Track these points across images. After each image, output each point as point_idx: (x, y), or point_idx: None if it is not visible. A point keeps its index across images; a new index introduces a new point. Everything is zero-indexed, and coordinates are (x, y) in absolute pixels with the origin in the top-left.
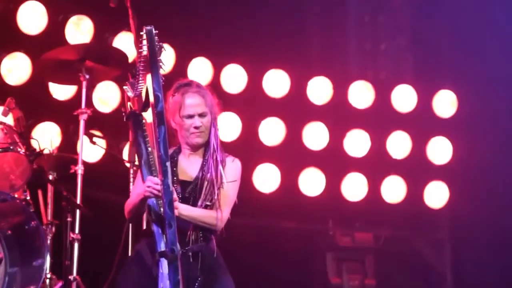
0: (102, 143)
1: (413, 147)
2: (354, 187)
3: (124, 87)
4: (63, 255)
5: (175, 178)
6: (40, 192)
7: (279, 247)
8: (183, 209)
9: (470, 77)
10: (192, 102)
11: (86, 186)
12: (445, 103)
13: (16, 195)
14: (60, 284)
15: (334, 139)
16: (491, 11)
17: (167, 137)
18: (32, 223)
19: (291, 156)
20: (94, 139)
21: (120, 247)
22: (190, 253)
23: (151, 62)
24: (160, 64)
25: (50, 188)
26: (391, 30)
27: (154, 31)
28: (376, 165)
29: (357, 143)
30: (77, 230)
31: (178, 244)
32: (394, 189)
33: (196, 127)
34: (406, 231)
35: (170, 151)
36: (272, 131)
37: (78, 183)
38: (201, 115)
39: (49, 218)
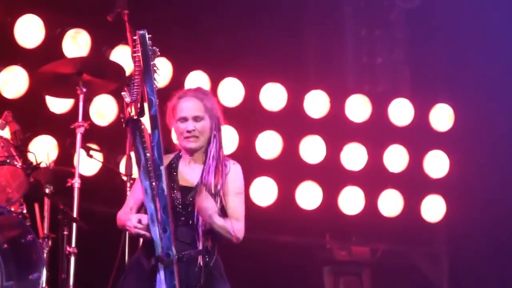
0: (99, 156)
1: (410, 161)
2: (351, 200)
3: (122, 93)
4: (59, 269)
5: (174, 184)
6: (36, 206)
7: (276, 261)
8: (218, 219)
9: (467, 91)
10: (187, 105)
11: (82, 200)
12: (442, 117)
13: (12, 209)
14: None
15: (331, 152)
16: (487, 25)
17: (161, 142)
18: (29, 236)
19: (288, 170)
20: (91, 152)
21: (117, 261)
22: (186, 259)
23: (144, 66)
24: (155, 68)
25: (46, 201)
26: (388, 44)
27: (147, 36)
28: (373, 179)
29: (354, 156)
30: (73, 244)
31: (173, 249)
32: (391, 203)
33: (188, 131)
34: (403, 245)
35: (171, 156)
36: (269, 144)
37: (75, 196)
38: (196, 118)
39: (45, 231)
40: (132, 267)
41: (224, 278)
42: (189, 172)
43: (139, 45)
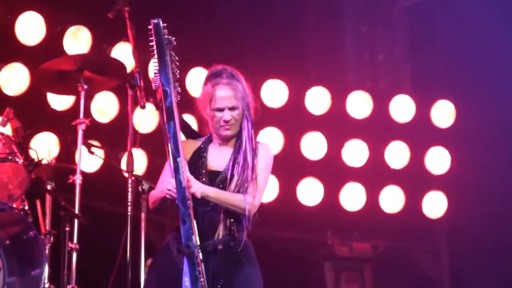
0: (100, 153)
1: (411, 157)
2: (352, 197)
3: (151, 77)
4: (61, 265)
5: (202, 169)
6: (38, 202)
7: (277, 257)
8: (210, 191)
9: (468, 87)
10: (223, 95)
11: (84, 196)
12: (444, 113)
13: (14, 205)
14: None
15: (332, 149)
16: (489, 21)
17: (178, 133)
18: (31, 233)
19: (290, 166)
20: (92, 149)
21: (119, 257)
22: (212, 248)
23: (158, 56)
24: (172, 57)
25: (48, 198)
26: (389, 41)
27: (161, 24)
28: (374, 175)
29: (355, 153)
30: (75, 240)
31: (194, 240)
32: (392, 199)
33: (225, 121)
34: (404, 241)
35: (202, 139)
36: (270, 141)
37: (76, 193)
38: (232, 108)
39: (47, 228)
40: (161, 252)
41: (253, 264)
42: (219, 156)
43: (153, 34)
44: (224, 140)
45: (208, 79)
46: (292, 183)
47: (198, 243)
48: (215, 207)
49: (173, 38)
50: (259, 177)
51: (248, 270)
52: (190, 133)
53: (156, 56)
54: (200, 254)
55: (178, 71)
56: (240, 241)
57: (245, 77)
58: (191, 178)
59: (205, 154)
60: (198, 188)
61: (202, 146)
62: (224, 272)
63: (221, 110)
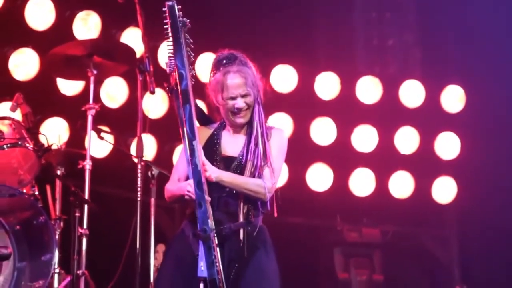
0: (110, 138)
1: (421, 143)
2: (361, 182)
3: (165, 61)
4: (71, 250)
5: (217, 156)
6: (48, 187)
7: (286, 243)
8: (225, 176)
9: (478, 72)
10: (234, 83)
11: (94, 181)
12: (453, 98)
13: (24, 190)
14: (68, 279)
15: (341, 134)
16: (500, 6)
17: (193, 116)
18: (41, 218)
19: (299, 152)
20: (102, 134)
21: (128, 242)
22: (228, 232)
23: (173, 39)
24: (187, 40)
25: (58, 183)
26: (399, 26)
27: (176, 7)
28: (384, 161)
29: (364, 138)
30: (85, 225)
31: (210, 224)
32: (401, 185)
33: (239, 108)
34: (413, 227)
35: (214, 126)
36: (280, 126)
37: (86, 178)
38: (244, 95)
39: (57, 213)
40: (176, 238)
41: (268, 250)
42: (233, 141)
43: (168, 17)
44: (237, 126)
45: (217, 66)
46: (301, 169)
47: (214, 227)
48: (230, 192)
49: (188, 21)
50: (274, 161)
51: (263, 257)
52: (203, 119)
53: (170, 39)
54: (216, 239)
55: (193, 55)
56: (256, 226)
57: (254, 63)
58: (206, 162)
59: (218, 141)
60: (213, 172)
61: (215, 132)
62: (239, 257)
63: (233, 98)
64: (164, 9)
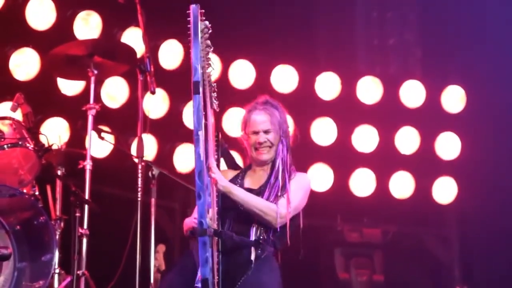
0: (110, 138)
1: (422, 143)
2: (362, 182)
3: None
4: (71, 250)
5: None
6: (48, 188)
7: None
8: (235, 189)
9: (478, 73)
10: (258, 119)
11: (94, 182)
12: (454, 99)
13: (25, 190)
14: (68, 279)
15: (342, 134)
16: (500, 6)
17: (201, 108)
18: (41, 218)
19: (299, 152)
20: (103, 134)
21: (129, 242)
22: (226, 237)
23: (193, 35)
24: (206, 41)
25: (58, 183)
26: (399, 26)
27: (198, 10)
28: (384, 161)
29: (365, 138)
30: (85, 225)
31: (207, 219)
32: (402, 185)
33: (260, 143)
34: (414, 227)
35: (242, 169)
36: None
37: (87, 178)
38: (266, 132)
39: (57, 213)
40: (183, 255)
41: (273, 276)
42: (255, 178)
43: (190, 19)
44: (261, 165)
45: (247, 108)
46: (302, 169)
47: (211, 225)
48: (243, 217)
49: (210, 25)
50: (292, 194)
51: (265, 280)
52: (232, 165)
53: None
54: (219, 245)
55: (211, 60)
56: (263, 250)
57: (255, 63)
58: (214, 167)
59: (241, 178)
60: (221, 180)
61: (240, 173)
62: (242, 274)
63: (256, 133)
64: (188, 12)
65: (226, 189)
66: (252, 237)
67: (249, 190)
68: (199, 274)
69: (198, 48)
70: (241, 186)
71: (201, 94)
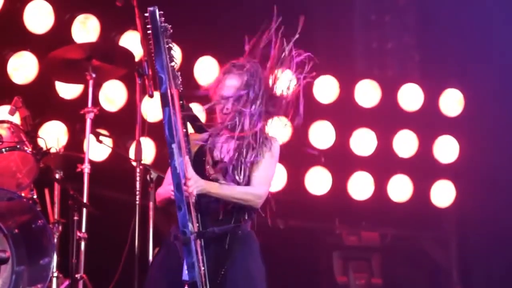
0: (108, 141)
1: (420, 146)
2: (360, 186)
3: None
4: (69, 254)
5: (205, 158)
6: (47, 191)
7: (285, 246)
8: (211, 187)
9: (476, 76)
10: (230, 84)
11: (92, 185)
12: (452, 102)
13: (23, 194)
14: (66, 282)
15: (340, 138)
16: (498, 10)
17: (172, 120)
18: (39, 221)
19: (298, 155)
20: (101, 137)
21: (127, 246)
22: (212, 236)
23: (154, 43)
24: (169, 45)
25: (56, 186)
26: (398, 29)
27: (157, 12)
28: (383, 164)
29: (363, 142)
30: (83, 229)
31: (190, 227)
32: (400, 188)
33: (228, 108)
34: (412, 230)
35: (210, 131)
36: (277, 130)
37: (85, 181)
38: (237, 98)
39: (55, 216)
40: (164, 243)
41: (255, 255)
42: (224, 146)
43: (149, 22)
44: (230, 130)
45: (222, 69)
46: (300, 172)
47: (194, 230)
48: (218, 198)
49: (169, 26)
50: (263, 169)
51: (251, 262)
52: (198, 126)
53: (150, 44)
54: (202, 242)
55: (176, 61)
56: (243, 231)
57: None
58: (192, 175)
59: (211, 146)
60: (197, 186)
61: (209, 138)
62: (225, 261)
63: (226, 98)
64: (146, 15)
65: (204, 191)
66: (233, 221)
67: (220, 162)
68: (185, 267)
69: (162, 56)
70: (211, 157)
71: (170, 106)
